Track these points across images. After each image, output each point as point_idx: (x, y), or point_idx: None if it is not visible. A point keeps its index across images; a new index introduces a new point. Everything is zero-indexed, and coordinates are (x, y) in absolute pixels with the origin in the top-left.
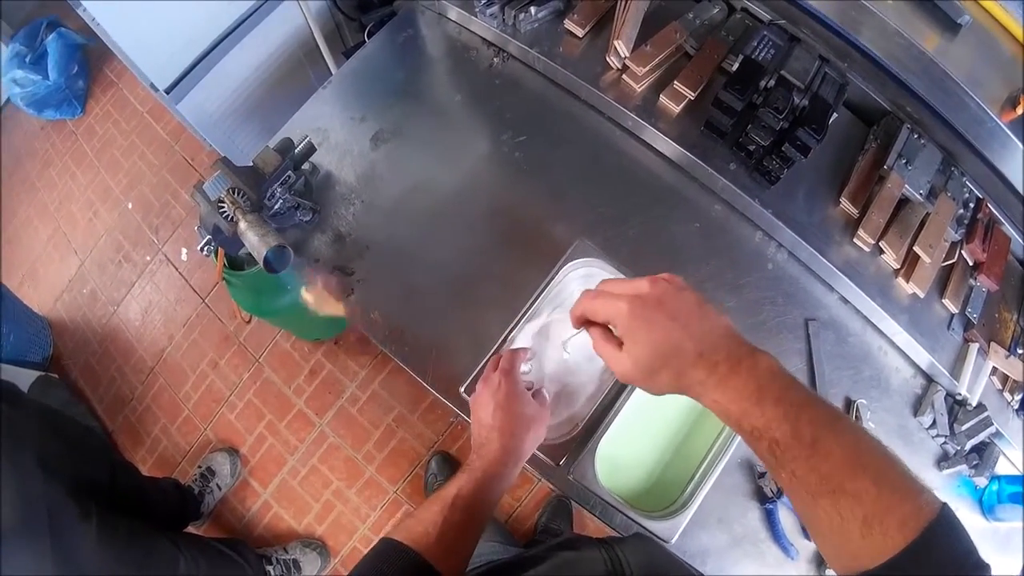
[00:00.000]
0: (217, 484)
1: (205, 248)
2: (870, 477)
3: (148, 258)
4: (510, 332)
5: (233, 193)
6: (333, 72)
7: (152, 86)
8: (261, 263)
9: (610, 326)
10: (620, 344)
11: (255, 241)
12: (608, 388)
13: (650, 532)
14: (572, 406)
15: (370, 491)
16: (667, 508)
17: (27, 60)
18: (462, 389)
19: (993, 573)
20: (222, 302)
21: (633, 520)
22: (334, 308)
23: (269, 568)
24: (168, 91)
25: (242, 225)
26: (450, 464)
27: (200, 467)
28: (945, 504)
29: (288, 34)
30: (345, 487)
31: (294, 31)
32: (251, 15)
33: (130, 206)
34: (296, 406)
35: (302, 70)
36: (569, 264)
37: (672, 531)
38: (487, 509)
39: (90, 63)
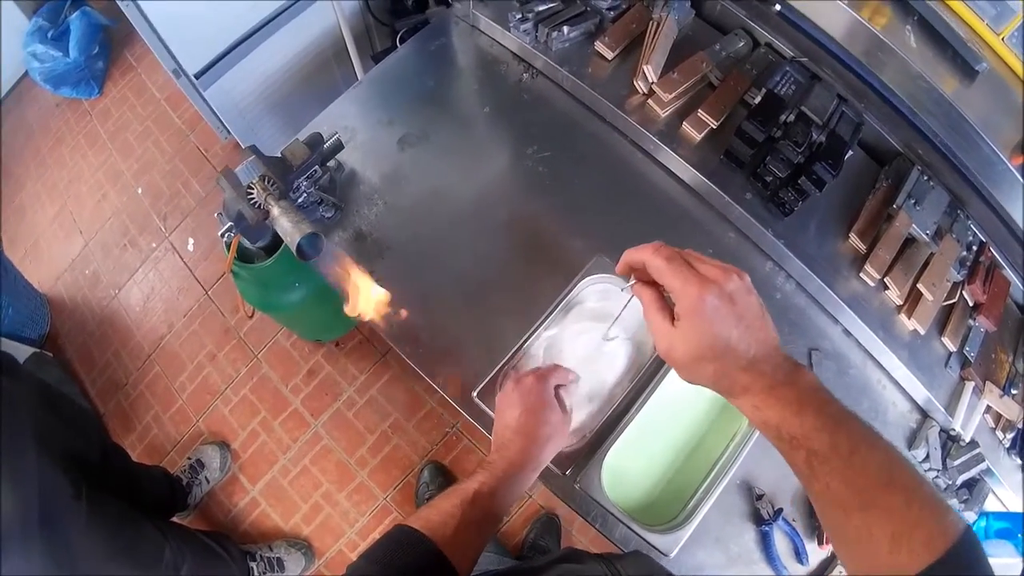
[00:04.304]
0: (206, 477)
1: (226, 234)
2: (902, 493)
3: (154, 245)
4: (525, 341)
5: (264, 180)
6: (359, 74)
7: (178, 70)
8: (294, 249)
9: (668, 295)
10: (671, 318)
11: (288, 227)
12: (618, 402)
13: (650, 545)
14: (581, 417)
15: (360, 496)
16: (667, 523)
17: (48, 35)
18: (474, 394)
19: None
20: (225, 295)
21: (634, 532)
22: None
23: (252, 565)
24: (197, 76)
25: (275, 211)
26: (443, 474)
27: (190, 458)
28: (968, 526)
29: (319, 33)
30: (335, 490)
31: (326, 31)
32: (286, 10)
33: (140, 191)
34: (292, 405)
35: (329, 70)
36: (587, 279)
37: (672, 545)
38: (503, 509)
39: (111, 45)
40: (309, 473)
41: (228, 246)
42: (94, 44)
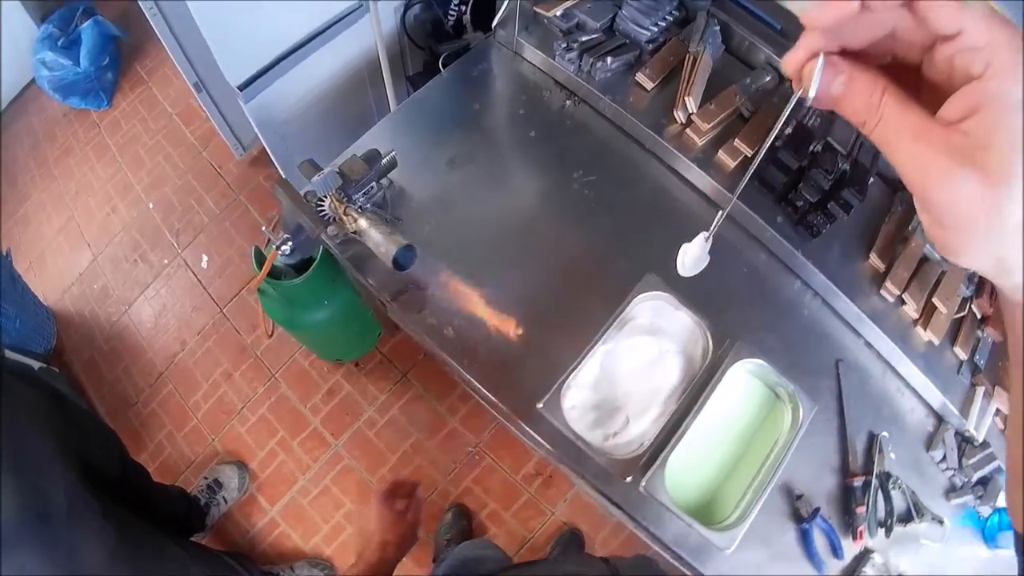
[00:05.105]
0: (224, 497)
1: (282, 246)
2: None
3: (166, 261)
4: (585, 355)
5: (340, 193)
6: (391, 95)
7: (199, 84)
8: (389, 262)
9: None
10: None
11: (381, 240)
12: (672, 412)
13: (710, 541)
14: (638, 428)
15: None
16: (720, 523)
17: (59, 43)
18: (540, 405)
19: None
20: (241, 313)
21: (696, 531)
22: None
23: None
24: (241, 88)
25: (363, 223)
26: (466, 518)
27: (207, 478)
28: None
29: (357, 54)
30: (357, 510)
31: (363, 52)
32: (326, 29)
33: (151, 206)
34: (311, 425)
35: (363, 91)
36: (640, 296)
37: (730, 541)
38: None
39: (122, 57)
40: (330, 493)
41: (258, 263)
42: (105, 55)
